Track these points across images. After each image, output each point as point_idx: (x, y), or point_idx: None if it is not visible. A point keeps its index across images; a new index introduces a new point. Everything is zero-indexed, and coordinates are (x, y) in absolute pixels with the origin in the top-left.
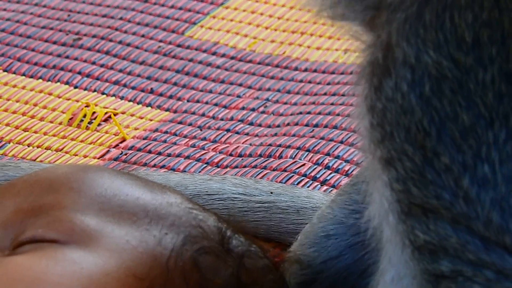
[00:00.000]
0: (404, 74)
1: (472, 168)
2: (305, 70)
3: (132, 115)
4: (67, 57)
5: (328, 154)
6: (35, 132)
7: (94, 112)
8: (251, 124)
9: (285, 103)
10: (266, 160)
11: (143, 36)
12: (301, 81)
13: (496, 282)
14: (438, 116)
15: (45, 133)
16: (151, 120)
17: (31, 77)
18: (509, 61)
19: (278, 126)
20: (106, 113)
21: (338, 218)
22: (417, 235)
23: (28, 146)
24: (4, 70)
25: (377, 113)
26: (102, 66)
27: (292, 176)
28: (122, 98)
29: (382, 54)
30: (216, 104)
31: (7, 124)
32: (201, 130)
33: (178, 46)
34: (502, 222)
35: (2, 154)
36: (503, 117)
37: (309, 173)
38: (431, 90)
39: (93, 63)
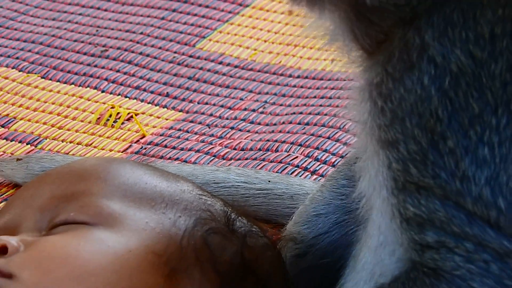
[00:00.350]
0: (428, 70)
1: (474, 151)
2: (298, 76)
3: (151, 115)
4: (95, 66)
5: (317, 148)
6: (68, 129)
7: (118, 113)
8: (251, 122)
9: (281, 105)
10: (264, 154)
11: (160, 48)
12: (294, 86)
13: (474, 253)
14: (451, 105)
15: (76, 131)
16: (166, 119)
17: (65, 83)
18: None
19: (275, 124)
20: (128, 113)
21: (327, 200)
22: (407, 208)
23: (62, 142)
24: (42, 77)
25: (392, 101)
26: (125, 73)
27: (287, 167)
28: (142, 100)
29: (412, 54)
30: (222, 106)
31: (44, 123)
32: (209, 128)
33: (190, 56)
34: (491, 198)
35: (40, 149)
36: (505, 104)
37: (301, 164)
38: (449, 83)
39: (118, 71)
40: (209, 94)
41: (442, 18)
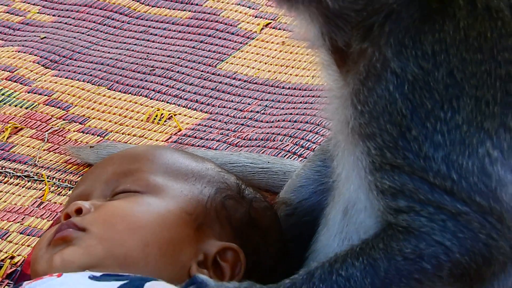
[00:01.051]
0: (392, 80)
1: (431, 137)
2: (288, 88)
3: (185, 115)
4: (146, 80)
5: (302, 139)
6: (126, 125)
7: (162, 114)
8: (256, 120)
9: (276, 108)
10: (265, 142)
11: (191, 68)
12: (286, 95)
13: (435, 214)
14: (411, 104)
15: (132, 126)
16: (196, 118)
17: (124, 92)
18: (451, 62)
19: (272, 122)
20: (169, 114)
21: (308, 175)
22: (384, 183)
23: (122, 134)
24: (108, 88)
25: (369, 105)
26: (167, 86)
27: (281, 152)
28: (179, 105)
29: (378, 68)
30: (235, 109)
31: (110, 121)
32: (226, 124)
33: (212, 74)
34: (447, 172)
35: (106, 139)
36: (449, 101)
37: (291, 150)
38: (408, 89)
39: (161, 84)
40: (226, 101)
41: (398, 41)
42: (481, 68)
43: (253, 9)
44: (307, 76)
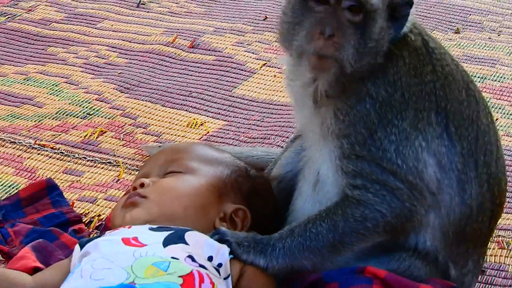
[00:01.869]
0: (369, 100)
1: (388, 137)
2: (278, 105)
3: (211, 123)
4: (186, 100)
5: (287, 137)
6: (174, 129)
7: (196, 122)
8: (258, 126)
9: (271, 118)
10: (264, 140)
11: (215, 92)
12: (276, 109)
13: (379, 190)
14: (379, 116)
15: (177, 130)
16: (218, 124)
17: (172, 108)
18: (402, 86)
19: (268, 127)
20: (201, 122)
21: (290, 156)
22: (348, 167)
23: (171, 135)
24: (162, 106)
25: (349, 116)
26: (200, 104)
27: (274, 146)
28: (207, 116)
29: (361, 93)
30: (244, 119)
31: (163, 127)
32: (238, 128)
33: (229, 96)
34: (395, 160)
35: (160, 139)
36: (400, 113)
37: (280, 145)
38: (378, 106)
39: (196, 102)
40: (237, 113)
41: (374, 76)
42: (417, 88)
43: (255, 54)
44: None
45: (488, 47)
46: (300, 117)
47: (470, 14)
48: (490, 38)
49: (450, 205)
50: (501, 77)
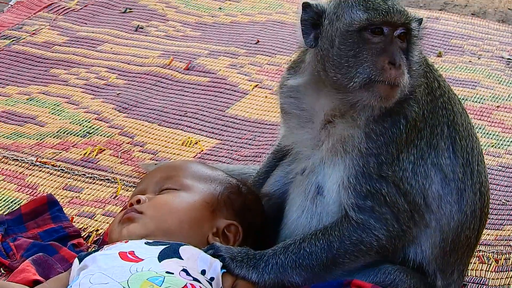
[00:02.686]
0: (402, 121)
1: (409, 157)
2: (269, 124)
3: (205, 141)
4: (181, 120)
5: None
6: (169, 148)
7: (191, 140)
8: (249, 144)
9: (262, 137)
10: (255, 158)
11: (209, 112)
12: (267, 128)
13: (384, 214)
14: (406, 137)
15: (173, 148)
16: (212, 143)
17: (168, 127)
18: (424, 106)
19: (259, 145)
20: (196, 140)
21: (278, 176)
22: (364, 186)
23: (166, 153)
24: (158, 125)
25: (384, 136)
26: (194, 123)
27: None
28: (201, 135)
29: (395, 114)
30: (237, 137)
31: (159, 145)
32: (230, 147)
33: (223, 116)
34: (411, 179)
35: (157, 156)
36: (420, 133)
37: None
38: (409, 128)
39: (191, 122)
40: (230, 132)
41: (411, 100)
42: (432, 105)
43: (247, 76)
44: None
45: (468, 70)
46: (301, 134)
47: (452, 38)
48: (470, 61)
49: (450, 214)
50: (481, 99)
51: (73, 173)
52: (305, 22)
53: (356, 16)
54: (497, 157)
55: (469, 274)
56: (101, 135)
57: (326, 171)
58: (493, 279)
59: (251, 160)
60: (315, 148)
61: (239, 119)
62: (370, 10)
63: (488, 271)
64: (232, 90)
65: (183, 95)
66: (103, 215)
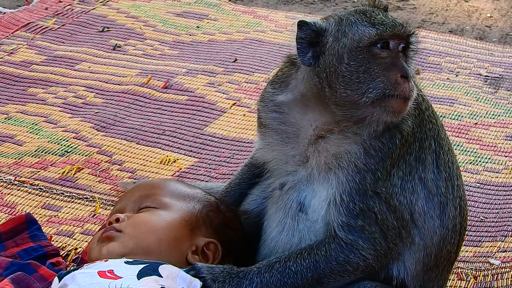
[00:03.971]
0: (398, 136)
1: (398, 172)
2: (247, 142)
3: (184, 160)
4: (159, 138)
5: None
6: (147, 166)
7: (169, 159)
8: (228, 162)
9: (240, 155)
10: (232, 177)
11: (187, 130)
12: (245, 146)
13: (373, 233)
14: (399, 153)
15: (151, 167)
16: (190, 161)
17: (146, 146)
18: (413, 121)
19: (238, 163)
20: (174, 159)
21: (257, 193)
22: (357, 204)
23: (145, 172)
24: (136, 143)
25: (381, 152)
26: (172, 142)
27: None
28: (179, 153)
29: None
30: (214, 155)
31: (137, 163)
32: (209, 165)
33: (201, 134)
34: (399, 196)
35: (135, 175)
36: (409, 148)
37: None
38: (402, 143)
39: (169, 140)
40: (208, 150)
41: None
42: (419, 118)
43: (225, 94)
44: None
45: (446, 87)
46: (285, 149)
47: (430, 56)
48: (448, 78)
49: (433, 229)
50: (458, 116)
51: (52, 192)
52: (302, 40)
53: (366, 32)
54: (475, 174)
55: None
56: (79, 154)
57: (314, 188)
58: None
59: (229, 178)
60: (299, 164)
61: (217, 137)
62: (378, 25)
63: (466, 287)
64: (210, 109)
65: (161, 113)
66: (81, 233)
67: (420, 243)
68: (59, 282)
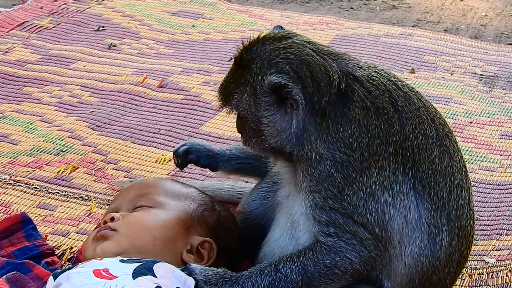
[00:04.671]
0: (327, 163)
1: (357, 193)
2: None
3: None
4: (155, 137)
5: None
6: (143, 165)
7: (165, 158)
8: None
9: None
10: None
11: (183, 129)
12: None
13: (350, 239)
14: (343, 175)
15: (146, 166)
16: None
17: (142, 145)
18: (361, 147)
19: None
20: (169, 158)
21: (256, 194)
22: (322, 216)
23: (140, 171)
24: (132, 142)
25: (315, 176)
26: (168, 140)
27: (238, 180)
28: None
29: (318, 157)
30: None
31: (132, 163)
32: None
33: (196, 133)
34: (365, 214)
35: (130, 174)
36: (364, 171)
37: (243, 180)
38: (339, 166)
39: (164, 139)
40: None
41: (325, 142)
42: (379, 149)
43: None
44: None
45: (441, 86)
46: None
47: (425, 55)
48: (443, 77)
49: (419, 256)
50: (454, 114)
51: (47, 191)
52: None
53: None
54: (471, 172)
55: None
56: (74, 153)
57: (292, 203)
58: None
59: (224, 177)
60: (285, 180)
61: (213, 136)
62: None
63: (462, 286)
64: (205, 108)
65: (156, 112)
66: (77, 233)
67: (400, 266)
68: (54, 281)
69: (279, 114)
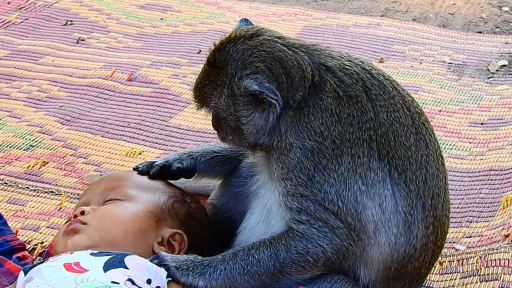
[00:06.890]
0: (297, 151)
1: (327, 180)
2: (212, 133)
3: (149, 152)
4: (124, 131)
5: None
6: (113, 159)
7: (134, 151)
8: None
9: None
10: None
11: (152, 122)
12: (209, 137)
13: (322, 227)
14: (313, 162)
15: (116, 159)
16: (155, 153)
17: (111, 139)
18: (332, 134)
19: None
20: (139, 151)
21: (226, 188)
22: (293, 204)
23: (110, 164)
24: (102, 136)
25: (286, 163)
26: (137, 134)
27: None
28: (145, 145)
29: (288, 145)
30: (179, 147)
31: (102, 156)
32: None
33: (166, 126)
34: (336, 201)
35: (100, 168)
36: (335, 158)
37: None
38: (309, 154)
39: (134, 133)
40: (174, 142)
41: (294, 131)
42: (352, 136)
43: (190, 86)
44: None
45: (410, 75)
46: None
47: (393, 44)
48: (412, 66)
49: (395, 244)
50: (423, 103)
51: (17, 186)
52: None
53: None
54: None
55: None
56: (44, 148)
57: (265, 191)
58: (438, 281)
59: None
60: (261, 170)
61: (183, 129)
62: None
63: (432, 273)
64: (175, 100)
65: (126, 106)
66: (47, 227)
67: (377, 255)
68: (25, 276)
69: (257, 112)
